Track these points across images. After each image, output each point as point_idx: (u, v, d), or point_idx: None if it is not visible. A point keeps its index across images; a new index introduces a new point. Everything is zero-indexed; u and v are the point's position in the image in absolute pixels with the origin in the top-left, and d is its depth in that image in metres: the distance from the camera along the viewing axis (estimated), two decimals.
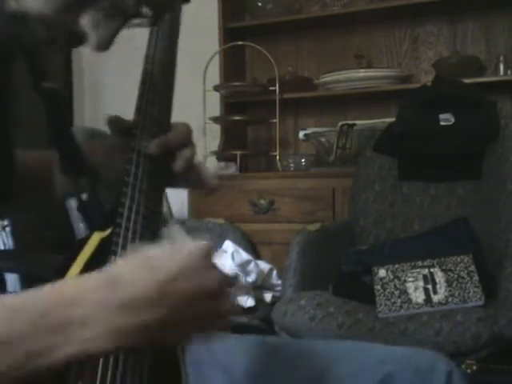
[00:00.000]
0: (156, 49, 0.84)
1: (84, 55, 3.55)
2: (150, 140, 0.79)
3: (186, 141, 0.82)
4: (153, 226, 0.76)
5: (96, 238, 0.74)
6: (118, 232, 0.73)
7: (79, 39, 0.65)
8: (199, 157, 2.99)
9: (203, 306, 0.57)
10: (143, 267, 0.56)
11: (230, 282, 0.61)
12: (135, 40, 1.16)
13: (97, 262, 0.71)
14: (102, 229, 0.74)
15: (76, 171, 0.81)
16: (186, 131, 0.83)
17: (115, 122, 0.83)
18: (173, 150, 0.80)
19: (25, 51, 0.72)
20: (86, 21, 0.63)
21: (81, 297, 0.54)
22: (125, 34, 0.73)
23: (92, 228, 0.76)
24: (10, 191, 0.79)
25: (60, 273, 0.68)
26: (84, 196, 0.80)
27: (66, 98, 0.79)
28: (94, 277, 0.56)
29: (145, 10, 0.66)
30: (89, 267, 0.70)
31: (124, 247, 0.71)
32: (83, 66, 3.59)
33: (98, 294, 0.54)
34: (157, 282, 0.55)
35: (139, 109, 0.81)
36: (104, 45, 0.65)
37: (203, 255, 0.58)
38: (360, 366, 0.78)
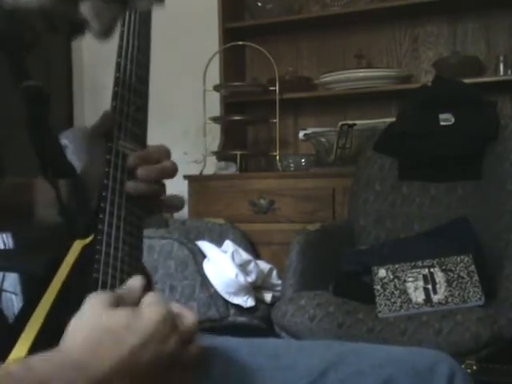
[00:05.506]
0: (129, 49, 0.81)
1: (84, 55, 3.55)
2: (128, 140, 0.76)
3: (165, 155, 0.79)
4: (136, 232, 0.72)
5: (77, 246, 0.70)
6: (100, 239, 0.69)
7: (80, 28, 0.63)
8: (199, 157, 2.99)
9: (168, 371, 0.59)
10: (106, 343, 0.56)
11: (192, 337, 0.61)
12: None
13: (79, 272, 0.68)
14: (84, 236, 0.71)
15: (56, 172, 0.78)
16: (165, 149, 0.80)
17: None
18: (150, 163, 0.77)
19: (22, 46, 0.70)
20: (86, 8, 0.61)
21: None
22: None
23: (74, 233, 0.72)
24: None
25: (41, 286, 0.66)
26: (65, 199, 0.77)
27: (49, 96, 0.77)
28: (58, 358, 0.55)
29: None
30: (71, 279, 0.67)
31: (107, 255, 0.68)
32: (83, 65, 3.58)
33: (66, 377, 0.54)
34: (121, 358, 0.55)
35: (114, 108, 0.78)
36: (107, 32, 0.63)
37: (162, 322, 0.58)
38: (358, 370, 0.77)
